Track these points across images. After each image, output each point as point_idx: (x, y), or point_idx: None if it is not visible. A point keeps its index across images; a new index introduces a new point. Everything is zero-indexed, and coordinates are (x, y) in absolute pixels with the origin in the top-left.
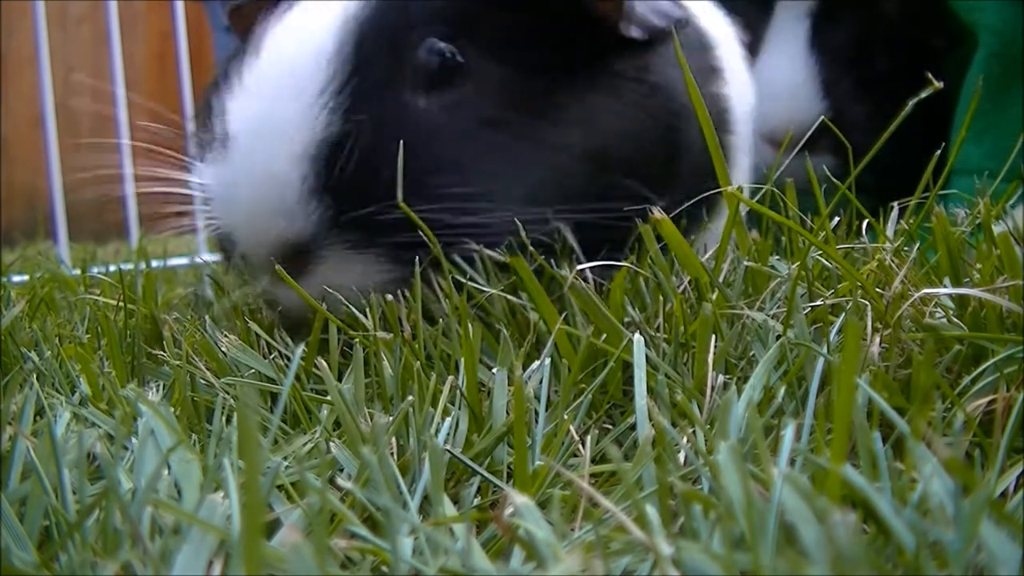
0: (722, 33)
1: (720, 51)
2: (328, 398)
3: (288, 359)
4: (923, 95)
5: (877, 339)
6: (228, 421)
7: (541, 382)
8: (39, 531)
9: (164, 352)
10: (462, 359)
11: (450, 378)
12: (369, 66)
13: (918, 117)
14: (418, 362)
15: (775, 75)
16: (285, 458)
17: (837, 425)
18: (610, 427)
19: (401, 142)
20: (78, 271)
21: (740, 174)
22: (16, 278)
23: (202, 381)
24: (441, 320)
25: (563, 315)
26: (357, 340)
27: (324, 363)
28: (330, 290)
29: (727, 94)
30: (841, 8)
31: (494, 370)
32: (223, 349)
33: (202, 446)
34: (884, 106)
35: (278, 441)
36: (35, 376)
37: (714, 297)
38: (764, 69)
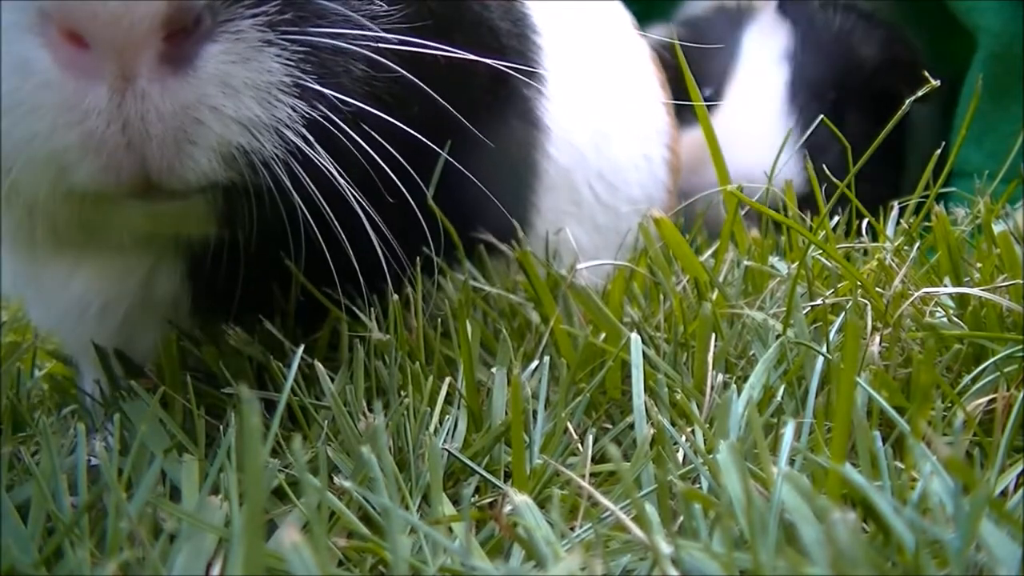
0: (574, 63)
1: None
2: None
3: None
4: (917, 95)
5: (877, 338)
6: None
7: (540, 381)
8: (40, 531)
9: None
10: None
11: (448, 378)
12: None
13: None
14: (416, 362)
15: (747, 132)
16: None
17: (837, 424)
18: (609, 427)
19: None
20: None
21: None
22: None
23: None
24: (439, 321)
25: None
26: (357, 339)
27: (320, 365)
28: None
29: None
30: (818, 52)
31: (493, 369)
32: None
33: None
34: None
35: (278, 441)
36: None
37: (714, 296)
38: (731, 123)
